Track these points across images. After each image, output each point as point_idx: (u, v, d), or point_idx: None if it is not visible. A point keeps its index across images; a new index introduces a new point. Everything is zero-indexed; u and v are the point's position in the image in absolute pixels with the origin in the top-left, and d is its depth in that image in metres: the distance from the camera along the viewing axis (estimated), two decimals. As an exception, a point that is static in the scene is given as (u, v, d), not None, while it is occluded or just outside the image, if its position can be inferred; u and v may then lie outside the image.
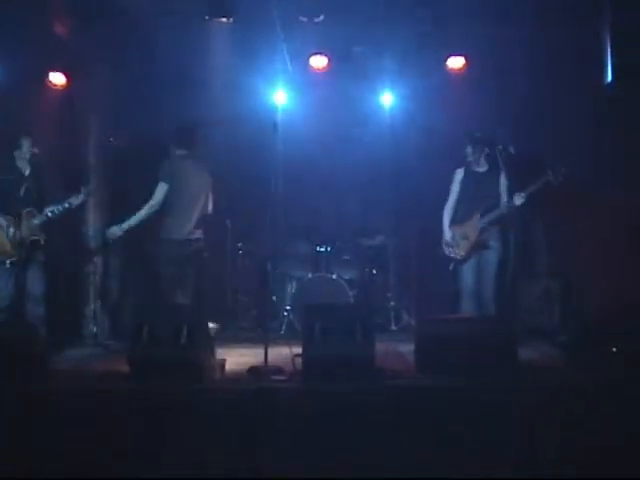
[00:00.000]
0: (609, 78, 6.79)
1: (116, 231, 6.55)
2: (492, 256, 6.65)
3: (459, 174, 6.88)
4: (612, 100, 6.78)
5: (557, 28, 7.27)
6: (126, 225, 6.53)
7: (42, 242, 6.48)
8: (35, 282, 6.47)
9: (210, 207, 6.85)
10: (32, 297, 6.43)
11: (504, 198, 6.56)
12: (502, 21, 7.60)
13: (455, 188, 6.88)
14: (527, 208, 6.59)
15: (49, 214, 6.46)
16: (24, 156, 6.49)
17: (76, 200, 6.56)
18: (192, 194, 6.67)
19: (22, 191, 6.39)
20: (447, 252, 6.81)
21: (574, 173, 6.43)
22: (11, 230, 6.31)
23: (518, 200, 6.43)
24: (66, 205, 6.50)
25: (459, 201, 6.85)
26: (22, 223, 6.35)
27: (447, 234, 6.82)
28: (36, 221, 6.41)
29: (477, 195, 6.69)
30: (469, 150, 6.78)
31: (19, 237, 6.32)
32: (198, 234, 6.73)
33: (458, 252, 6.74)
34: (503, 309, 6.52)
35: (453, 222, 6.83)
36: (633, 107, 6.61)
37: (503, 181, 6.59)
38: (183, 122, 7.09)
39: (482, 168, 6.80)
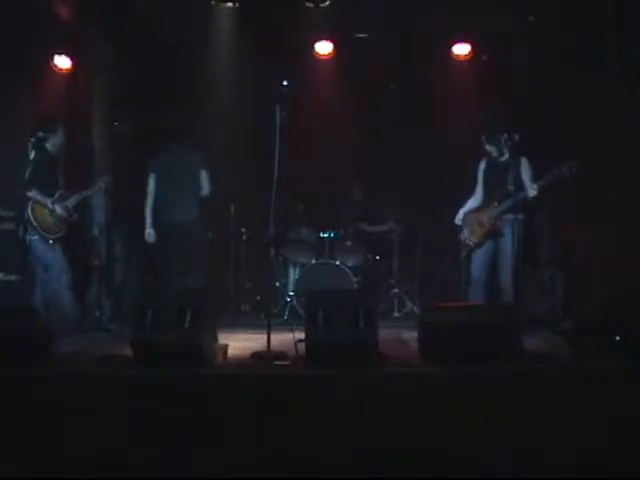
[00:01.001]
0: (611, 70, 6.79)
1: (151, 233, 7.08)
2: (509, 246, 6.59)
3: (482, 164, 6.95)
4: (614, 92, 6.78)
5: (560, 19, 7.25)
6: (149, 221, 7.04)
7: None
8: None
9: (206, 189, 7.00)
10: None
11: (527, 186, 6.51)
12: (504, 10, 7.56)
13: (479, 178, 6.96)
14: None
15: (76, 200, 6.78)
16: (56, 141, 6.68)
17: (97, 190, 6.98)
18: (179, 180, 7.00)
19: (54, 174, 6.68)
20: (461, 238, 6.90)
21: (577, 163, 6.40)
22: (56, 208, 6.55)
23: (531, 191, 6.41)
24: (90, 192, 6.94)
25: (483, 190, 6.92)
26: (61, 203, 6.61)
27: (459, 219, 6.95)
28: (68, 203, 6.68)
29: (497, 183, 6.70)
30: (484, 141, 6.79)
31: (63, 216, 6.61)
32: (192, 217, 6.88)
33: (472, 239, 6.79)
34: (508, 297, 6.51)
35: (473, 210, 6.90)
36: (634, 102, 6.59)
37: (526, 168, 6.56)
38: (180, 120, 7.34)
39: (503, 157, 6.79)
